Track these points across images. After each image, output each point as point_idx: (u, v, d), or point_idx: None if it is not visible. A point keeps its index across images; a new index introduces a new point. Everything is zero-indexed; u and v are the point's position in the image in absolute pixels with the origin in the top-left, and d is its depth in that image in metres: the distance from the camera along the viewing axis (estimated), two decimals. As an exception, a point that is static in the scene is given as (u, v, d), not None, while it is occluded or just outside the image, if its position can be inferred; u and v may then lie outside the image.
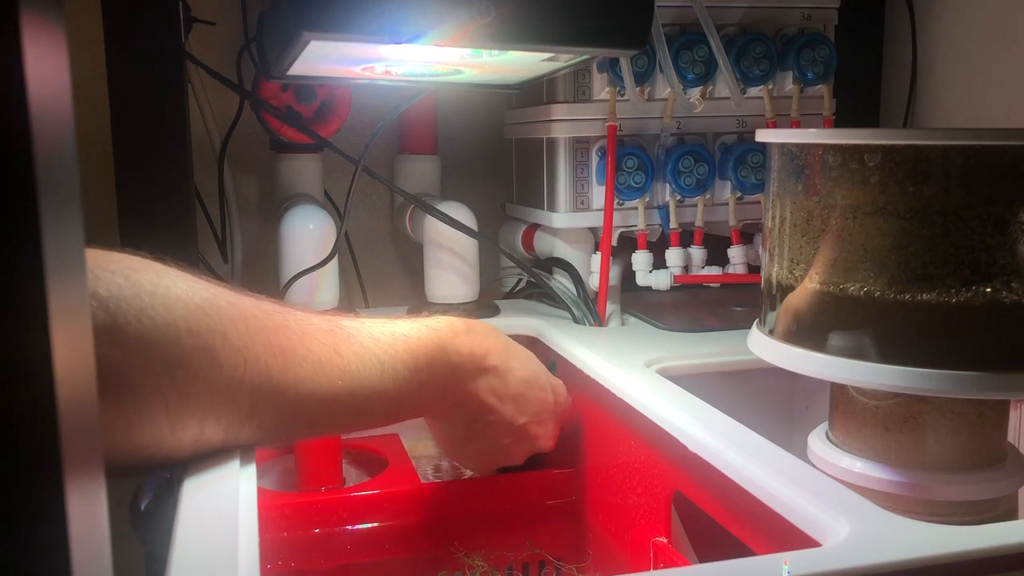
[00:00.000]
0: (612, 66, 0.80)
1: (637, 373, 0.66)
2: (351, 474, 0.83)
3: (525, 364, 0.64)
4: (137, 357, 0.42)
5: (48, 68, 0.18)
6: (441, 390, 0.58)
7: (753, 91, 0.84)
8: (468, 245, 0.87)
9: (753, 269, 0.87)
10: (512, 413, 0.62)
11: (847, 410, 0.56)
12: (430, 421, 0.69)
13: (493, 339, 0.61)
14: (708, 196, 0.86)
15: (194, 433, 0.46)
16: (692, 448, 0.53)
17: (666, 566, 0.60)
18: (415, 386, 0.55)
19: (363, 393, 0.52)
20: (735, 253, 0.87)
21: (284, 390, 0.48)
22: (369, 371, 0.52)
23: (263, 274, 0.94)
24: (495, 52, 0.63)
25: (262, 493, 0.60)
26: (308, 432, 0.53)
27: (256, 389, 0.47)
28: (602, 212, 0.83)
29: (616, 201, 0.83)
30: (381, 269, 1.03)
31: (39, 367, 0.18)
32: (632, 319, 0.84)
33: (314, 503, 0.71)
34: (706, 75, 0.82)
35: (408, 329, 0.56)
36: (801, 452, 0.56)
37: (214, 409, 0.46)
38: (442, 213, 0.84)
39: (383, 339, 0.54)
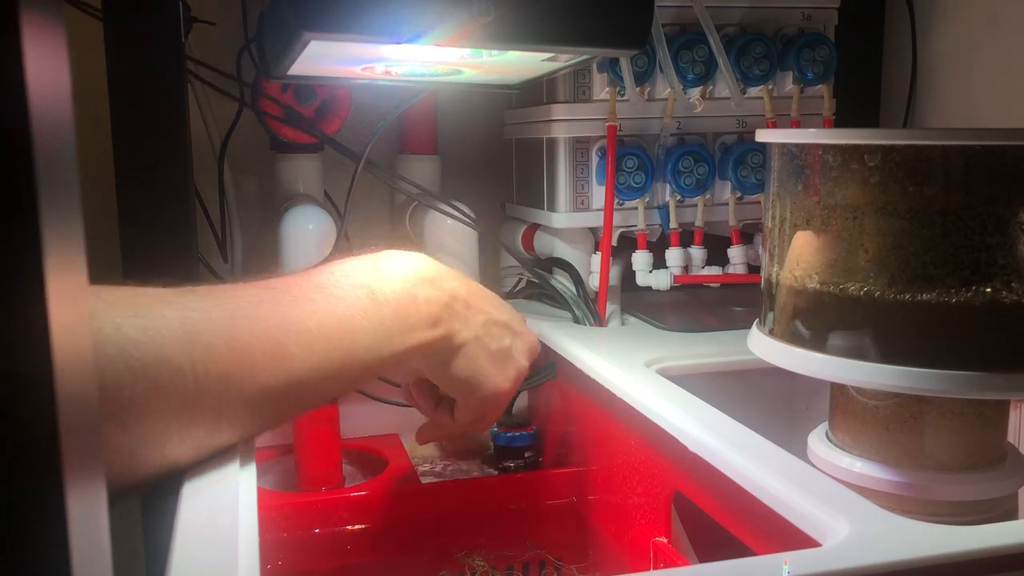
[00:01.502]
0: (612, 66, 0.80)
1: (637, 373, 0.66)
2: (351, 474, 0.83)
3: (481, 288, 0.62)
4: None
5: (48, 68, 0.18)
6: (420, 311, 0.54)
7: (753, 91, 0.84)
8: (468, 245, 0.87)
9: (753, 269, 0.87)
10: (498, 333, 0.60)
11: (847, 410, 0.56)
12: (427, 366, 0.61)
13: (449, 284, 0.58)
14: (708, 196, 0.86)
15: (156, 461, 0.43)
16: (692, 448, 0.53)
17: (666, 566, 0.60)
18: (388, 311, 0.52)
19: (329, 336, 0.49)
20: (735, 253, 0.87)
21: (244, 382, 0.45)
22: (330, 316, 0.49)
23: (263, 274, 0.94)
24: (495, 52, 0.63)
25: (262, 493, 0.60)
26: (299, 400, 0.49)
27: (216, 395, 0.44)
28: (602, 212, 0.83)
29: (616, 201, 0.83)
30: (381, 269, 1.03)
31: (39, 369, 0.18)
32: (632, 319, 0.84)
33: (314, 503, 0.71)
34: (706, 75, 0.82)
35: (375, 282, 0.53)
36: (801, 452, 0.56)
37: (173, 434, 0.43)
38: (444, 208, 0.84)
39: (342, 289, 0.51)
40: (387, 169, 0.94)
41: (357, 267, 0.54)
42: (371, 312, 0.51)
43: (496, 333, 0.60)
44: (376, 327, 0.51)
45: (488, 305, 0.61)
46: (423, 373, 0.61)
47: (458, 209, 0.85)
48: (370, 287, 0.52)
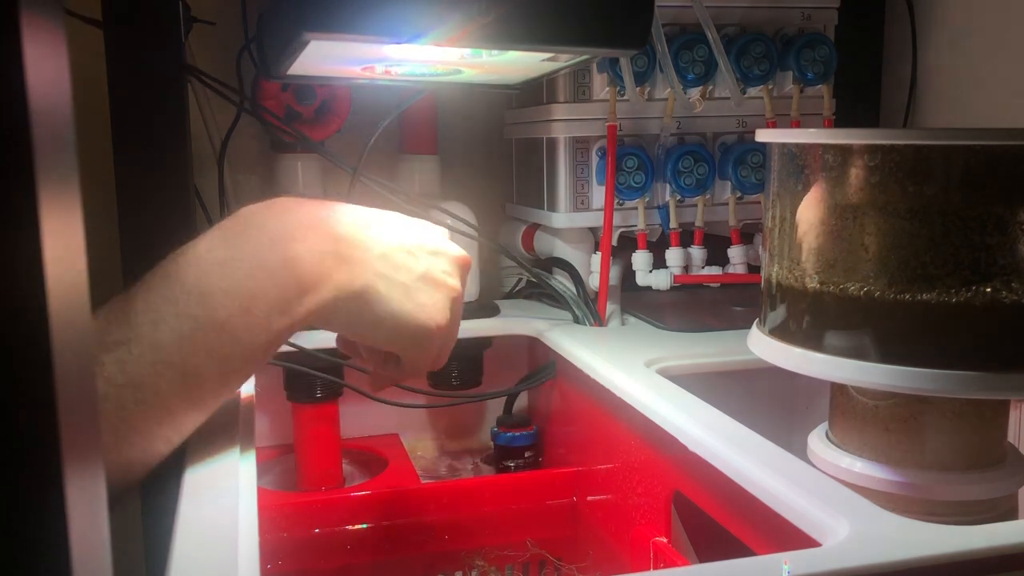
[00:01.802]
0: (612, 66, 0.80)
1: (637, 373, 0.66)
2: (351, 474, 0.83)
3: (379, 213, 0.53)
4: None
5: (48, 68, 0.18)
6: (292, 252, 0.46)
7: (753, 91, 0.84)
8: (468, 245, 0.87)
9: (753, 269, 0.87)
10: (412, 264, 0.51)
11: (847, 410, 0.56)
12: (337, 329, 0.53)
13: (324, 227, 0.49)
14: (708, 196, 0.86)
15: None
16: (692, 448, 0.53)
17: (666, 566, 0.60)
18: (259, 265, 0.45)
19: (160, 373, 0.42)
20: (735, 253, 0.87)
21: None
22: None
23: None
24: (495, 52, 0.63)
25: (262, 493, 0.60)
26: (150, 450, 0.44)
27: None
28: (602, 212, 0.83)
29: (616, 201, 0.83)
30: (381, 269, 1.03)
31: (40, 371, 0.18)
32: (632, 319, 0.84)
33: (314, 503, 0.71)
34: (706, 75, 0.82)
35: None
36: (801, 452, 0.56)
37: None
38: (440, 214, 0.84)
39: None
40: (386, 172, 0.94)
41: (188, 269, 0.45)
42: (206, 323, 0.43)
43: (403, 260, 0.51)
44: (219, 337, 0.43)
45: (386, 232, 0.51)
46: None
47: (457, 217, 0.85)
48: (200, 291, 0.43)
